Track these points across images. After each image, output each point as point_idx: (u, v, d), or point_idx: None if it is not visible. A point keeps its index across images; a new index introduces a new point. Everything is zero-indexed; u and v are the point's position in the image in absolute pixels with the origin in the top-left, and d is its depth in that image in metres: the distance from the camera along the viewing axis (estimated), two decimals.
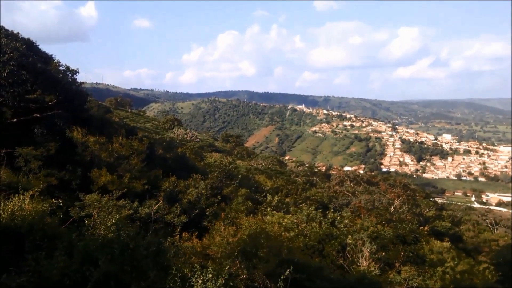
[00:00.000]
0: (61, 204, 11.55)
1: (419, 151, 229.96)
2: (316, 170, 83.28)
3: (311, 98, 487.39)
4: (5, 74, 18.83)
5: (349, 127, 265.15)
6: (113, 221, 9.25)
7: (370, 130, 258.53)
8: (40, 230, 9.06)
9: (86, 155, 21.51)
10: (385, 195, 38.18)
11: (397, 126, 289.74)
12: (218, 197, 23.55)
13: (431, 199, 62.09)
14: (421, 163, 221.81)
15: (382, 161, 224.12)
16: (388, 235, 20.22)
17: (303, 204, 26.78)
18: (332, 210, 27.67)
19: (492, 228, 52.03)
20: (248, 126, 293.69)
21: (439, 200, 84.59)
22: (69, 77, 26.72)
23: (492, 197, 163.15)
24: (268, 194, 29.03)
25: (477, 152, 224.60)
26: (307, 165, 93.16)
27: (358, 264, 17.09)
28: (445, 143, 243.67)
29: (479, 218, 58.62)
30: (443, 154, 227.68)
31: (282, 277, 9.70)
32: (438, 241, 24.88)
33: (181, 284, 8.17)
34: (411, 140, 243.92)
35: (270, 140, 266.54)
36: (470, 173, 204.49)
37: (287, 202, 28.83)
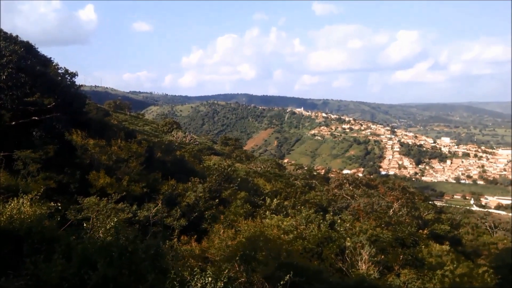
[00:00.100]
0: (59, 207, 11.54)
1: (418, 154, 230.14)
2: (315, 173, 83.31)
3: (310, 101, 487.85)
4: (3, 77, 18.82)
5: (348, 130, 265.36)
6: (111, 224, 9.23)
7: (369, 133, 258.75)
8: (39, 233, 9.04)
9: (85, 158, 21.48)
10: (384, 198, 38.18)
11: (396, 129, 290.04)
12: (217, 200, 23.54)
13: (430, 202, 62.08)
14: (420, 166, 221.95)
15: (381, 164, 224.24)
16: (387, 238, 20.22)
17: (302, 207, 26.80)
18: (331, 213, 27.70)
19: (491, 231, 52.02)
20: (247, 129, 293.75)
21: (438, 203, 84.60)
22: (67, 80, 26.75)
23: (491, 200, 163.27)
24: (267, 197, 29.00)
25: (476, 155, 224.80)
26: (306, 168, 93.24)
27: (357, 267, 17.07)
28: (444, 146, 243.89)
29: (478, 221, 58.64)
30: (442, 157, 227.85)
31: (282, 282, 9.68)
32: (437, 244, 24.86)
33: None
34: (410, 143, 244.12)
35: (269, 143, 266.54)
36: (469, 176, 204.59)
37: (286, 205, 28.81)
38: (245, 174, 43.09)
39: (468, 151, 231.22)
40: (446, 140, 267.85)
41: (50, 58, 27.84)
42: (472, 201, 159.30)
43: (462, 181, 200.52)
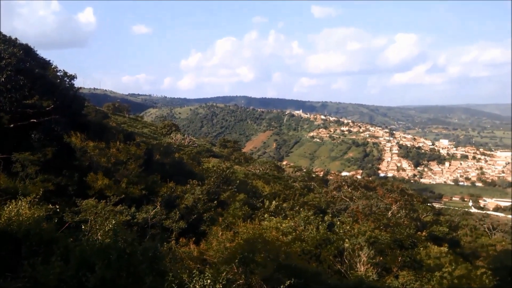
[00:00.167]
0: (57, 209, 11.54)
1: (417, 156, 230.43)
2: (313, 175, 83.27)
3: (308, 103, 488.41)
4: (2, 80, 18.83)
5: (346, 132, 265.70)
6: (110, 226, 9.24)
7: (367, 135, 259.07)
8: (37, 235, 9.05)
9: (84, 160, 21.48)
10: (383, 200, 38.21)
11: (394, 132, 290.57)
12: (215, 202, 23.52)
13: (428, 204, 62.06)
14: (418, 168, 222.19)
15: (380, 166, 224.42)
16: (385, 240, 20.25)
17: (301, 209, 26.82)
18: (330, 215, 27.72)
19: (490, 233, 52.03)
20: (246, 131, 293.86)
21: (437, 205, 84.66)
22: (66, 82, 26.77)
23: (490, 202, 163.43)
24: (266, 199, 29.00)
25: (474, 158, 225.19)
26: (304, 170, 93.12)
27: (356, 269, 17.08)
28: (442, 148, 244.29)
29: (477, 223, 58.62)
30: (441, 159, 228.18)
31: (282, 287, 9.71)
32: (436, 246, 24.88)
33: None
34: (409, 145, 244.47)
35: (267, 146, 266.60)
36: (467, 178, 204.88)
37: (285, 207, 28.82)
38: (244, 176, 43.11)
39: (467, 153, 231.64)
40: (444, 142, 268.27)
41: (49, 60, 27.86)
42: (470, 203, 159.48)
43: (461, 183, 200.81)
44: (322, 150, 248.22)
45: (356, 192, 45.74)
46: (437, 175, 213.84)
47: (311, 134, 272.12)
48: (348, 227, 21.91)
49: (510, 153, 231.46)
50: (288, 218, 24.16)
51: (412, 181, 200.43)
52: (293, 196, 37.66)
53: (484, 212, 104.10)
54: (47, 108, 20.34)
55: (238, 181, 31.79)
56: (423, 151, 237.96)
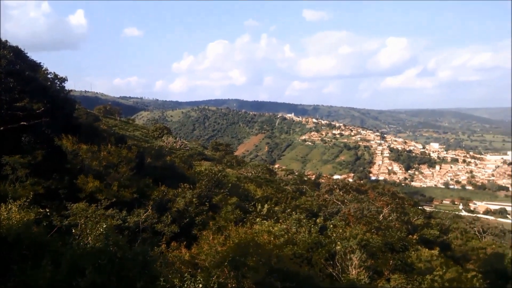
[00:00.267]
0: (48, 213, 11.44)
1: (407, 160, 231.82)
2: (305, 179, 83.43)
3: (300, 107, 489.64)
4: None
5: (338, 135, 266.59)
6: (101, 230, 9.17)
7: (359, 138, 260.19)
8: (27, 239, 8.96)
9: (76, 163, 21.32)
10: (374, 204, 38.35)
11: (385, 135, 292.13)
12: (207, 204, 23.46)
13: (419, 207, 62.50)
14: (409, 171, 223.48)
15: (371, 169, 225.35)
16: (377, 243, 20.31)
17: (293, 212, 26.84)
18: (322, 218, 27.77)
19: (480, 236, 52.41)
20: (238, 134, 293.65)
21: (427, 208, 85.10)
22: (57, 85, 26.59)
23: (480, 205, 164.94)
24: (258, 202, 28.98)
25: (464, 161, 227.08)
26: (296, 173, 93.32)
27: (348, 272, 17.11)
28: (433, 151, 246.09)
29: (467, 226, 59.02)
30: (431, 163, 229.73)
31: None
32: (427, 249, 25.02)
33: None
34: (399, 148, 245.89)
35: (260, 149, 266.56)
36: (457, 182, 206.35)
37: (277, 210, 28.82)
38: (236, 179, 43.05)
39: (457, 157, 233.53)
40: (435, 145, 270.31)
41: (40, 63, 27.65)
42: (461, 206, 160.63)
43: (451, 187, 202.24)
44: (314, 153, 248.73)
45: (347, 195, 45.88)
46: (428, 179, 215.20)
47: (303, 137, 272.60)
48: (340, 230, 21.97)
49: (499, 156, 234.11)
50: (281, 221, 24.19)
51: (403, 184, 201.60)
52: (285, 200, 37.68)
53: (474, 215, 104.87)
54: (38, 111, 20.18)
55: (230, 185, 31.74)
56: (414, 154, 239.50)
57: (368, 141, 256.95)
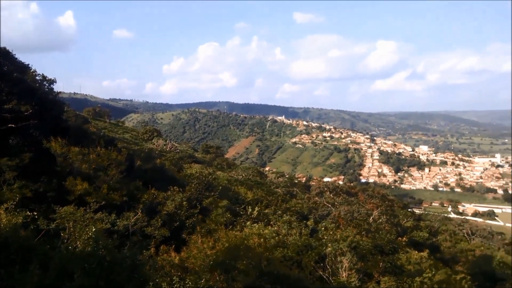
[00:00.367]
0: (35, 216, 11.29)
1: (397, 162, 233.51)
2: (296, 181, 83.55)
3: (291, 109, 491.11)
4: None
5: (328, 138, 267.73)
6: (89, 234, 9.08)
7: (349, 141, 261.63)
8: (15, 243, 8.84)
9: (66, 165, 21.10)
10: (364, 206, 38.57)
11: (375, 138, 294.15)
12: (198, 206, 23.37)
13: (408, 209, 62.92)
14: (399, 174, 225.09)
15: (361, 172, 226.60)
16: (367, 246, 20.39)
17: (284, 214, 26.86)
18: (312, 221, 27.83)
19: (469, 238, 52.90)
20: (228, 137, 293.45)
21: (417, 211, 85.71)
22: (46, 86, 26.34)
23: (468, 208, 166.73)
24: (248, 205, 28.93)
25: (453, 163, 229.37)
26: (287, 176, 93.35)
27: (338, 275, 17.14)
28: (422, 154, 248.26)
29: (456, 228, 59.51)
30: (420, 165, 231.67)
31: None
32: (416, 251, 25.18)
33: None
34: (389, 151, 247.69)
35: (250, 151, 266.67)
36: (446, 184, 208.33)
37: (267, 212, 28.80)
38: (227, 182, 42.95)
39: (446, 159, 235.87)
40: (424, 148, 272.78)
41: (28, 64, 27.34)
42: (449, 209, 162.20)
43: (440, 189, 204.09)
44: (304, 156, 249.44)
45: (338, 197, 46.08)
46: (417, 181, 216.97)
47: (294, 140, 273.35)
48: (331, 232, 22.02)
49: (488, 159, 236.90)
50: (271, 223, 24.19)
51: (392, 186, 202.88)
52: (275, 202, 37.68)
53: (463, 217, 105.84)
54: (26, 113, 19.95)
55: (220, 187, 31.66)
56: (403, 157, 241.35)
57: (358, 143, 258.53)
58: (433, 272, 20.02)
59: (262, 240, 17.11)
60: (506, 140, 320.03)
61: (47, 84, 26.58)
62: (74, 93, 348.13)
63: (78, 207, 15.86)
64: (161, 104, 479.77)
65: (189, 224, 20.81)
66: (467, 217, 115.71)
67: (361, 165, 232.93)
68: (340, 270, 17.24)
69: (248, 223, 22.61)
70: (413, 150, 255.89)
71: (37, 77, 26.48)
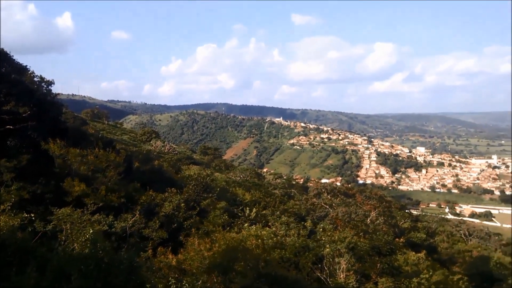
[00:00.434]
0: (33, 218, 11.29)
1: (394, 164, 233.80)
2: (294, 183, 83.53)
3: (289, 111, 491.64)
4: None
5: (326, 139, 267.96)
6: (87, 236, 9.09)
7: (346, 142, 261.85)
8: (12, 245, 8.84)
9: (64, 167, 21.06)
10: (362, 207, 38.60)
11: (372, 139, 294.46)
12: (197, 208, 23.36)
13: (406, 210, 63.07)
14: (396, 175, 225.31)
15: (359, 173, 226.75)
16: (364, 247, 20.43)
17: (282, 215, 26.90)
18: (310, 222, 27.88)
19: (466, 239, 53.01)
20: (226, 138, 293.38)
21: (414, 212, 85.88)
22: (44, 88, 26.29)
23: (465, 209, 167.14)
24: (246, 207, 28.95)
25: (450, 165, 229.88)
26: (285, 177, 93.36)
27: (336, 276, 17.17)
28: (419, 155, 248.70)
29: (453, 229, 59.61)
30: (418, 167, 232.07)
31: None
32: (413, 252, 25.24)
33: None
34: (386, 152, 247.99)
35: (248, 153, 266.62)
36: (443, 185, 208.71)
37: (265, 213, 28.82)
38: (225, 183, 42.95)
39: (443, 161, 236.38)
40: (421, 149, 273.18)
41: (26, 66, 27.29)
42: (447, 210, 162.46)
43: (437, 190, 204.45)
44: (302, 157, 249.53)
45: (335, 199, 46.05)
46: (415, 182, 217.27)
47: (291, 141, 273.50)
48: (329, 233, 22.06)
49: (484, 160, 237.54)
50: (270, 224, 24.22)
51: (390, 188, 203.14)
52: (273, 204, 37.69)
53: (460, 218, 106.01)
54: (24, 114, 19.94)
55: (218, 189, 31.65)
56: (400, 158, 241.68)
57: (356, 145, 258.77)
58: (431, 273, 20.08)
59: (259, 241, 17.13)
60: (503, 142, 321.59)
61: (45, 86, 26.53)
62: (72, 95, 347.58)
63: (76, 208, 15.85)
64: (159, 105, 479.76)
65: (187, 226, 20.81)
66: (464, 218, 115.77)
67: (359, 167, 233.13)
68: (337, 271, 17.26)
69: (246, 224, 22.64)
70: (410, 152, 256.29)
71: (35, 79, 26.43)
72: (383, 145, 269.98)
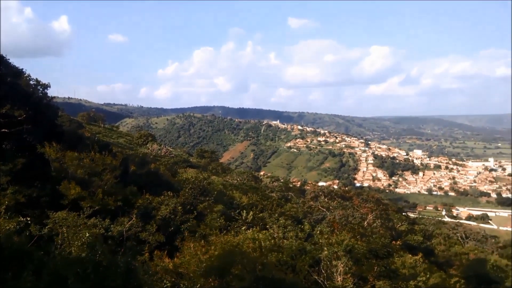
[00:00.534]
0: (29, 221, 11.24)
1: (391, 166, 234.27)
2: (291, 186, 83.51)
3: (286, 114, 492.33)
4: None
5: (323, 142, 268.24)
6: (83, 239, 9.05)
7: (343, 145, 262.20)
8: (8, 249, 8.78)
9: (61, 170, 20.99)
10: (359, 210, 38.63)
11: (369, 142, 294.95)
12: (194, 212, 23.31)
13: (403, 213, 63.20)
14: (393, 178, 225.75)
15: (356, 176, 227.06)
16: (361, 250, 20.43)
17: (280, 218, 26.88)
18: (307, 225, 27.86)
19: (463, 242, 53.12)
20: (223, 141, 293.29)
21: (411, 215, 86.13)
22: (40, 91, 26.19)
23: (462, 211, 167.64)
24: (243, 210, 28.93)
25: (446, 167, 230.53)
26: (282, 180, 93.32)
27: (333, 279, 17.15)
28: (416, 158, 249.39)
29: (450, 232, 59.79)
30: (415, 169, 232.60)
31: None
32: (410, 255, 25.25)
33: None
34: (383, 155, 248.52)
35: (245, 156, 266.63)
36: (440, 188, 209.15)
37: (262, 216, 28.80)
38: (222, 186, 42.92)
39: (440, 163, 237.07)
40: (418, 152, 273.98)
41: (22, 69, 27.21)
42: (444, 212, 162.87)
43: (434, 193, 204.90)
44: (299, 160, 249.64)
45: (332, 202, 46.12)
46: (411, 185, 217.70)
47: (288, 144, 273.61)
48: (326, 236, 22.05)
49: (481, 163, 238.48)
50: (267, 226, 24.20)
51: (387, 190, 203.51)
52: (270, 207, 37.69)
53: (457, 221, 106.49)
54: (19, 118, 19.86)
55: (215, 192, 31.62)
56: (397, 161, 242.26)
57: (353, 148, 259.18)
58: (428, 276, 20.11)
59: (257, 244, 17.10)
60: (499, 144, 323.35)
61: (41, 89, 26.43)
62: (69, 98, 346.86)
63: (72, 212, 15.78)
64: (155, 108, 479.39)
65: (184, 229, 20.75)
66: (461, 221, 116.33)
67: (356, 169, 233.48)
68: (335, 274, 17.25)
69: (243, 227, 22.61)
70: (407, 154, 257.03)
71: (31, 82, 26.33)
72: (380, 148, 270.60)
